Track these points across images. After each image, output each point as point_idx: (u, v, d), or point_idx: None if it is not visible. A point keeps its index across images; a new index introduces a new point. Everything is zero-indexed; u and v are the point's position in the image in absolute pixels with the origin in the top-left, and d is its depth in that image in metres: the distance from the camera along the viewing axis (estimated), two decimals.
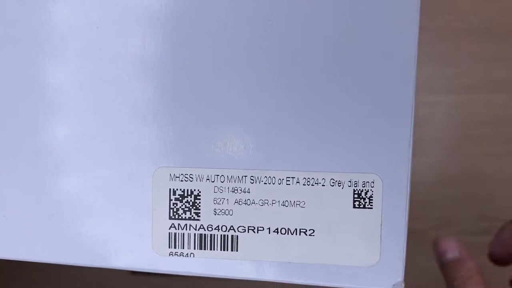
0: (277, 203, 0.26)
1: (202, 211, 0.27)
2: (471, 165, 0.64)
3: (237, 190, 0.26)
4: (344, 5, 0.26)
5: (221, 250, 0.27)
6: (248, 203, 0.26)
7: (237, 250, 0.27)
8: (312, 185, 0.26)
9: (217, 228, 0.27)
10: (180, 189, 0.27)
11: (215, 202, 0.26)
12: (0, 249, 0.28)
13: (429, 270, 0.66)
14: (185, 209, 0.27)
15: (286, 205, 0.26)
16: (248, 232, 0.26)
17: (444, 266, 0.43)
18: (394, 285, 0.26)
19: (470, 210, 0.64)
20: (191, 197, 0.27)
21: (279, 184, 0.26)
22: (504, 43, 0.64)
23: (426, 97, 0.64)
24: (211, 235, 0.27)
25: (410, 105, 0.25)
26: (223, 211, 0.26)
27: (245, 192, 0.26)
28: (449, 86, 0.64)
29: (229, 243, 0.27)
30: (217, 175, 0.26)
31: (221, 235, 0.27)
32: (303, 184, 0.26)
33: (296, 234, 0.26)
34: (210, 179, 0.26)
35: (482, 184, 0.64)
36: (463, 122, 0.64)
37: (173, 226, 0.27)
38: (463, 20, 0.64)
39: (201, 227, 0.27)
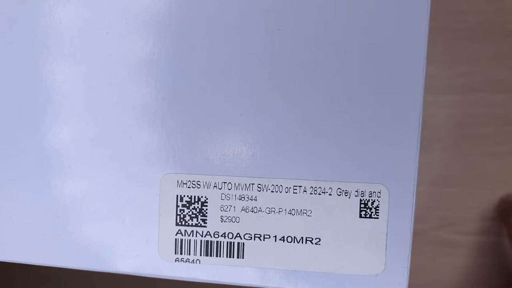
0: (284, 212, 0.26)
1: (209, 218, 0.27)
2: (471, 165, 0.64)
3: (244, 197, 0.26)
4: (354, 12, 0.26)
5: (227, 257, 0.27)
6: (255, 211, 0.26)
7: (243, 258, 0.27)
8: (319, 194, 0.26)
9: (223, 235, 0.27)
10: (187, 196, 0.27)
11: (222, 209, 0.27)
12: (5, 252, 0.28)
13: (429, 270, 0.67)
14: (192, 215, 0.27)
15: (293, 213, 0.26)
16: (254, 239, 0.27)
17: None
18: None
19: (470, 210, 0.64)
20: (198, 204, 0.27)
21: (286, 192, 0.26)
22: (504, 43, 0.64)
23: (426, 97, 0.64)
24: (217, 242, 0.27)
25: (417, 117, 0.26)
26: (230, 218, 0.27)
27: (252, 199, 0.26)
28: (449, 86, 0.65)
29: (235, 250, 0.27)
30: (225, 183, 0.27)
31: (227, 242, 0.27)
32: (310, 193, 0.26)
33: (302, 242, 0.26)
34: (217, 186, 0.27)
35: (482, 184, 0.64)
36: (463, 122, 0.64)
37: (179, 232, 0.27)
38: (463, 20, 0.64)
39: (208, 233, 0.27)
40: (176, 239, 0.27)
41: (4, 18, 0.27)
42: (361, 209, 0.26)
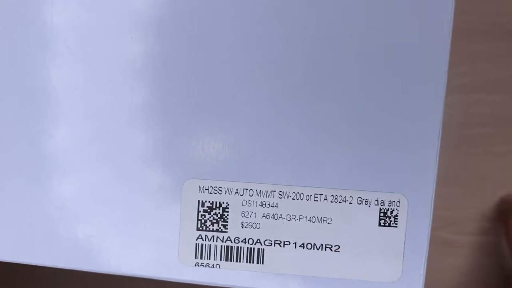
0: (304, 219, 0.27)
1: (229, 224, 0.27)
2: (471, 165, 0.65)
3: (265, 204, 0.27)
4: (375, 21, 0.26)
5: (246, 262, 0.27)
6: (276, 218, 0.27)
7: (262, 263, 0.27)
8: (339, 202, 0.26)
9: (243, 240, 0.27)
10: (209, 201, 0.27)
11: (243, 215, 0.27)
12: (26, 254, 0.29)
13: (429, 270, 0.67)
14: (213, 221, 0.27)
15: (313, 221, 0.27)
16: (274, 246, 0.27)
17: None
18: None
19: (470, 210, 0.65)
20: (219, 210, 0.27)
21: (307, 200, 0.27)
22: (504, 43, 0.65)
23: None
24: (237, 247, 0.27)
25: (437, 128, 0.26)
26: (250, 224, 0.27)
27: (273, 206, 0.27)
28: (449, 86, 0.65)
29: (255, 256, 0.27)
30: (246, 189, 0.27)
31: (247, 247, 0.27)
32: (331, 201, 0.26)
33: (321, 249, 0.27)
34: (239, 192, 0.27)
35: (482, 184, 0.65)
36: (463, 122, 0.65)
37: (200, 237, 0.27)
38: (463, 20, 0.64)
39: (228, 239, 0.27)
40: (196, 244, 0.27)
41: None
42: (381, 217, 0.26)
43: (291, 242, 0.27)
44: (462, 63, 0.65)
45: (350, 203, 0.26)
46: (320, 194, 0.27)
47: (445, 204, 0.65)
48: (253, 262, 0.27)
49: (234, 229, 0.27)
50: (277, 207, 0.27)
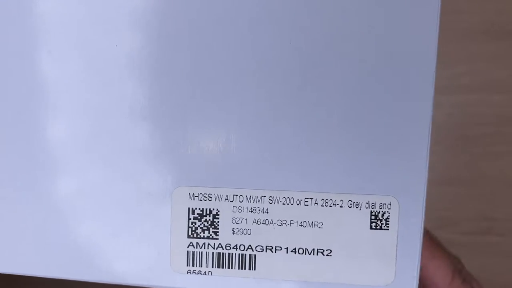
0: (295, 224, 0.27)
1: (220, 230, 0.27)
2: (471, 165, 0.65)
3: (255, 210, 0.27)
4: (363, 25, 0.26)
5: (238, 268, 0.27)
6: (267, 223, 0.27)
7: (254, 269, 0.27)
8: (330, 206, 0.26)
9: (235, 247, 0.27)
10: (199, 208, 0.27)
11: (233, 221, 0.27)
12: (15, 264, 0.28)
13: None
14: (204, 228, 0.27)
15: (304, 225, 0.27)
16: (266, 251, 0.27)
17: None
18: None
19: (470, 210, 0.64)
20: (209, 216, 0.27)
21: (298, 204, 0.26)
22: (504, 43, 0.64)
23: None
24: (229, 254, 0.27)
25: (427, 130, 0.26)
26: (241, 230, 0.27)
27: (263, 212, 0.27)
28: (449, 86, 0.65)
29: (246, 262, 0.27)
30: (236, 195, 0.27)
31: (239, 254, 0.27)
32: (321, 205, 0.26)
33: (313, 254, 0.27)
34: (229, 198, 0.27)
35: (482, 184, 0.64)
36: (463, 122, 0.65)
37: (191, 244, 0.27)
38: (463, 20, 0.64)
39: (219, 245, 0.27)
40: (188, 251, 0.27)
41: None
42: (372, 220, 0.26)
43: (283, 247, 0.27)
44: (461, 63, 0.64)
45: (340, 206, 0.26)
46: (311, 198, 0.26)
47: (445, 204, 0.64)
48: (245, 269, 0.27)
49: (225, 236, 0.27)
50: (267, 212, 0.27)
